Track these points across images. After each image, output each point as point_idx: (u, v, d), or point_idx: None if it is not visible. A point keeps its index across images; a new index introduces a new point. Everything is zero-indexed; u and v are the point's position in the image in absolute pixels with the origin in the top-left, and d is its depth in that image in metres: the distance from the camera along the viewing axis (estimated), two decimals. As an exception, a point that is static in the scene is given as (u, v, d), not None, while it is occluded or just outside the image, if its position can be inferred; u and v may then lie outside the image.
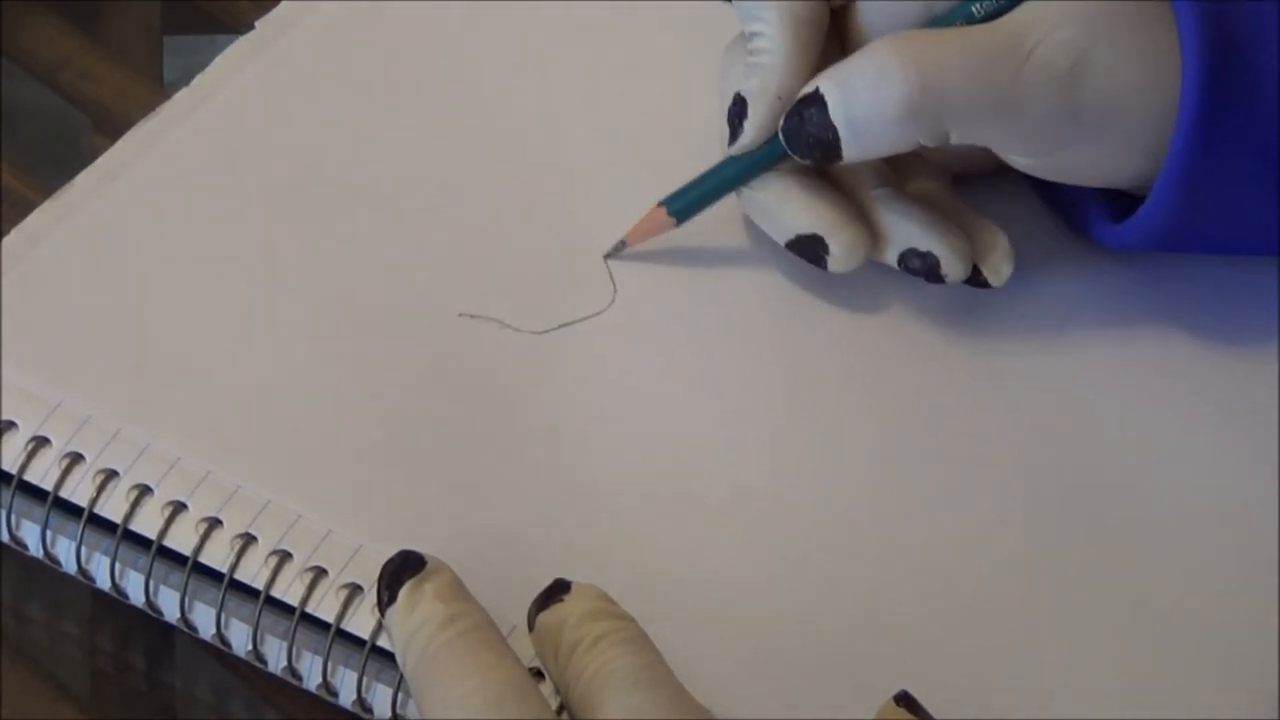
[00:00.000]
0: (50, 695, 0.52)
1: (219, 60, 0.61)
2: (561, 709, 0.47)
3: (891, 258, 0.56)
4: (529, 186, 0.59)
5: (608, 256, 0.57)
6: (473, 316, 0.56)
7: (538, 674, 0.48)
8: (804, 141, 0.54)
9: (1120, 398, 0.55)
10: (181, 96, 0.60)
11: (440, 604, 0.47)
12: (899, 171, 0.57)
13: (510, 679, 0.46)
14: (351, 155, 0.59)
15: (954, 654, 0.50)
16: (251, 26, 0.63)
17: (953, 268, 0.55)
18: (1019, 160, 0.54)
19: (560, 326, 0.56)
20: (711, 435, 0.54)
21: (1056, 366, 0.56)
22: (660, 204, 0.57)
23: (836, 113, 0.53)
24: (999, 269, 0.56)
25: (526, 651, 0.48)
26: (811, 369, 0.55)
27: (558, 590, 0.48)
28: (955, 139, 0.53)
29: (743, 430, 0.54)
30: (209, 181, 0.58)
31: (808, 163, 0.55)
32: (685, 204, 0.57)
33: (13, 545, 0.52)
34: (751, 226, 0.58)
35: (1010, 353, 0.56)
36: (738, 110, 0.55)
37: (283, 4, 0.63)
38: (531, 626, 0.48)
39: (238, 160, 0.59)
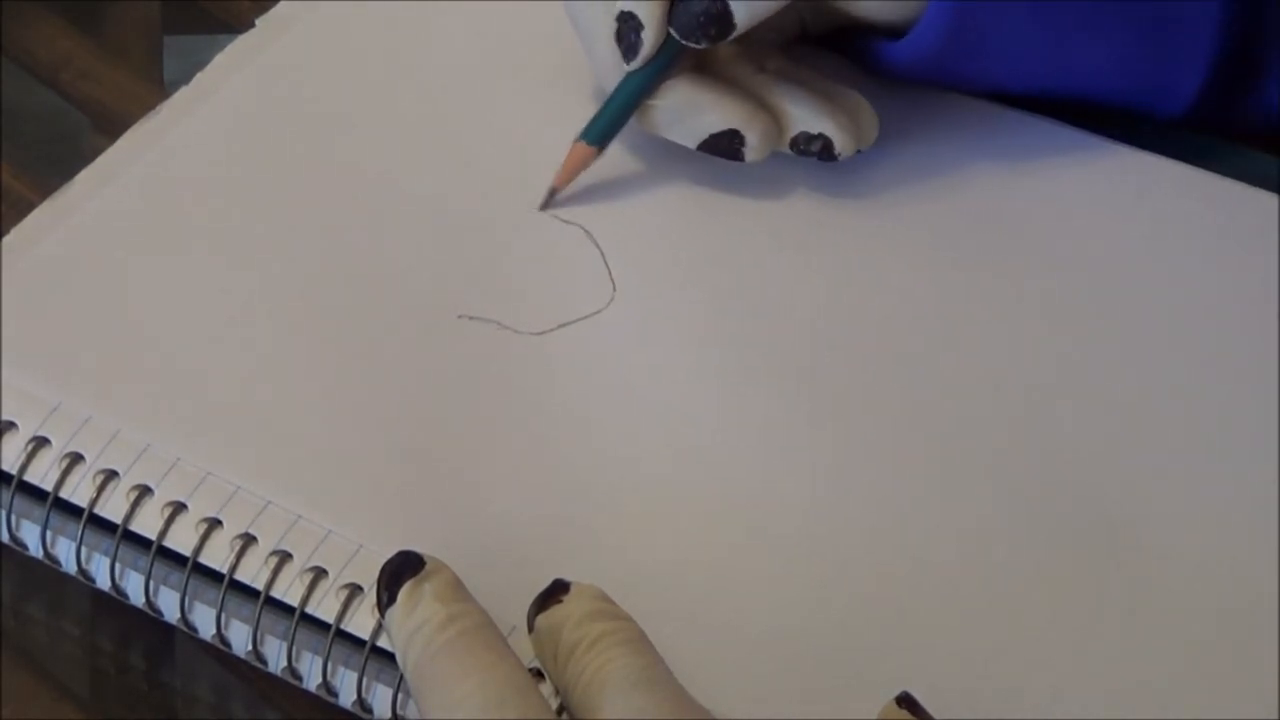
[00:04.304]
0: (50, 695, 0.52)
1: (219, 59, 0.61)
2: (561, 709, 0.47)
3: (784, 142, 0.58)
4: (528, 185, 0.59)
5: (543, 208, 0.58)
6: (472, 318, 0.56)
7: (538, 674, 0.48)
8: (696, 22, 0.56)
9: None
10: (181, 95, 0.60)
11: (440, 604, 0.47)
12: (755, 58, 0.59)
13: (510, 679, 0.46)
14: (351, 154, 0.59)
15: (954, 654, 0.50)
16: (251, 25, 0.63)
17: (844, 145, 0.58)
18: None
19: (559, 327, 0.56)
20: (712, 434, 0.54)
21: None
22: (578, 139, 0.58)
23: None
24: (867, 134, 0.59)
25: (526, 652, 0.48)
26: (812, 364, 0.55)
27: (557, 591, 0.48)
28: None
29: (744, 428, 0.54)
30: (209, 180, 0.59)
31: (703, 45, 0.56)
32: (600, 129, 0.58)
33: (13, 545, 0.52)
34: (751, 221, 0.58)
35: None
36: (631, 25, 0.57)
37: (282, 3, 0.63)
38: (531, 627, 0.48)
39: (238, 159, 0.59)
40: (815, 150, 0.58)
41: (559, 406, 0.54)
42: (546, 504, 0.52)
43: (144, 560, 0.51)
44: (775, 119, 0.58)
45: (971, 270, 0.58)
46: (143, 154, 0.59)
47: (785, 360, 0.55)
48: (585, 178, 0.58)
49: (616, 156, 0.59)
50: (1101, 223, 0.59)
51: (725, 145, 0.57)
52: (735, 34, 0.56)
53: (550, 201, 0.58)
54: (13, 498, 0.52)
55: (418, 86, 0.61)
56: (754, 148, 0.57)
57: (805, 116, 0.58)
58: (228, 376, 0.54)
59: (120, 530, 0.51)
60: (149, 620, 0.52)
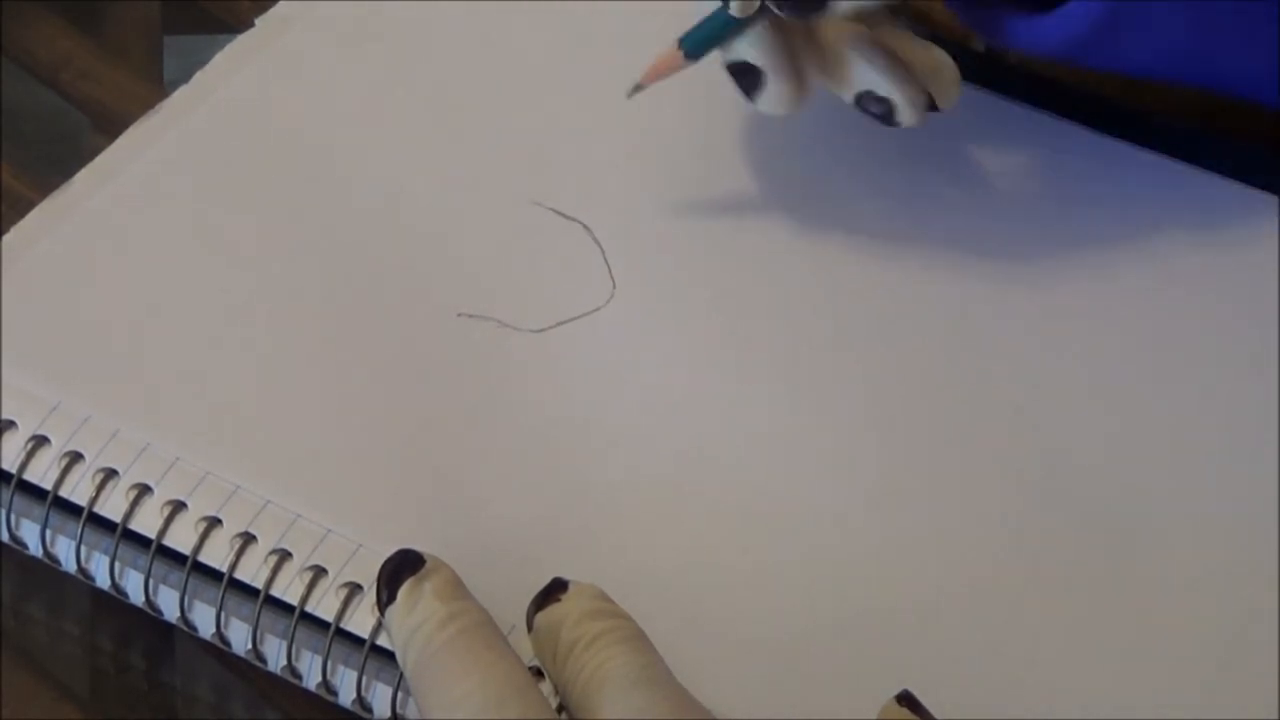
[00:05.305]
0: (50, 695, 0.52)
1: (218, 58, 0.61)
2: (561, 708, 0.47)
3: (848, 96, 0.57)
4: (527, 184, 0.59)
5: (630, 95, 0.57)
6: (471, 316, 0.56)
7: (537, 673, 0.48)
8: None
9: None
10: (181, 95, 0.60)
11: (439, 602, 0.47)
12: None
13: (510, 678, 0.46)
14: (351, 154, 0.59)
15: (955, 653, 0.50)
16: (251, 25, 0.63)
17: (906, 116, 0.56)
18: None
19: (559, 324, 0.56)
20: (712, 431, 0.54)
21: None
22: (679, 42, 0.56)
23: None
24: (947, 92, 0.57)
25: (526, 651, 0.48)
26: (813, 362, 0.55)
27: (556, 589, 0.48)
28: None
29: (744, 426, 0.54)
30: (208, 180, 0.59)
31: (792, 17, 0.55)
32: (696, 41, 0.56)
33: (12, 545, 0.52)
34: (753, 218, 0.58)
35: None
36: None
37: (282, 3, 0.63)
38: (530, 626, 0.48)
39: (237, 159, 0.59)
40: (876, 112, 0.57)
41: (559, 404, 0.54)
42: (546, 503, 0.52)
43: (143, 559, 0.51)
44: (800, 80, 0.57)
45: (968, 269, 0.58)
46: (142, 154, 0.59)
47: (785, 359, 0.55)
48: (587, 175, 0.58)
49: (617, 153, 0.59)
50: (1101, 222, 0.59)
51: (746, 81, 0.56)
52: (826, 11, 0.54)
53: (634, 93, 0.57)
54: (12, 497, 0.52)
55: (417, 85, 0.61)
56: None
57: (876, 80, 0.56)
58: (227, 376, 0.54)
59: (120, 529, 0.51)
60: (149, 619, 0.52)
